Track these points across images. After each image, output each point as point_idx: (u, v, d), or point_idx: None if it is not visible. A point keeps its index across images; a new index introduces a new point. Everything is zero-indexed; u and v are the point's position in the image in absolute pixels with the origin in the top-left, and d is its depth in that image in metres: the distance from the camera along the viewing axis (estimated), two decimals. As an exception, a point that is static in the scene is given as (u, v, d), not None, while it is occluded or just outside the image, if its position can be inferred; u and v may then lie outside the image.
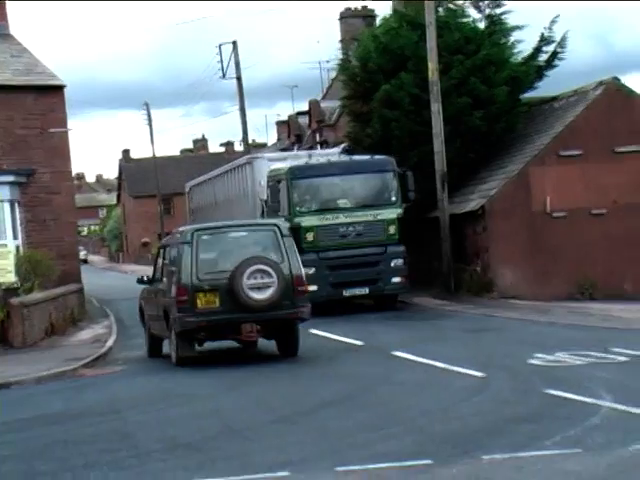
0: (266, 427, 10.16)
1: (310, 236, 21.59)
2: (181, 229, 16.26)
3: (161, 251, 16.89)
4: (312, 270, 20.59)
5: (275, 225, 15.62)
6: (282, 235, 15.23)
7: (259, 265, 14.53)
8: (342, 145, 25.94)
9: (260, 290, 14.50)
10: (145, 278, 17.34)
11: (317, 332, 18.80)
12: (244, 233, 15.84)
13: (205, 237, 15.23)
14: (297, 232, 20.46)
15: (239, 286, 14.44)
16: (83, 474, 8.65)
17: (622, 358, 13.06)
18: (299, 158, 24.18)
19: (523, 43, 27.56)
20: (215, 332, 15.26)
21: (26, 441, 10.50)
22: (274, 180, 22.39)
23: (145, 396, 13.07)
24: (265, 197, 22.97)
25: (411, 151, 25.53)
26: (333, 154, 24.57)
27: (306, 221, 21.66)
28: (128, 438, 10.09)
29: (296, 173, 22.12)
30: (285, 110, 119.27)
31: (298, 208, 21.81)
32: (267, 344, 16.14)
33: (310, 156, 23.92)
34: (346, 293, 21.82)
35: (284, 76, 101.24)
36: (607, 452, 8.04)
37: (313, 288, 19.92)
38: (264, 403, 11.78)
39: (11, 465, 9.30)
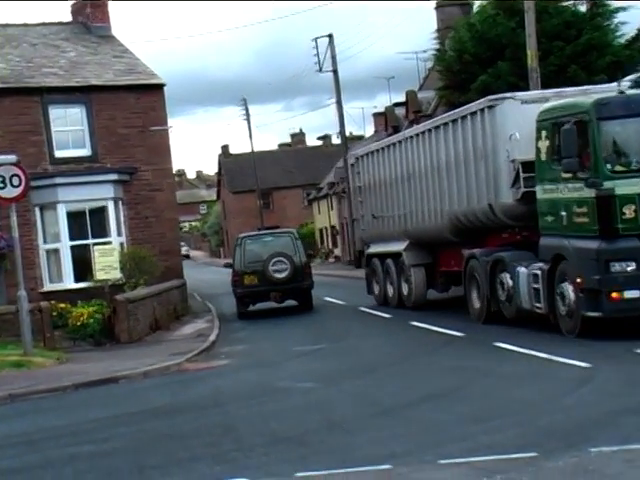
0: (367, 420, 10.16)
1: (629, 210, 13.92)
2: (240, 235, 26.44)
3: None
4: (632, 266, 13.81)
5: (291, 233, 26.45)
6: (295, 238, 25.46)
7: (279, 257, 24.27)
8: (633, 76, 15.69)
9: (280, 272, 24.24)
10: (229, 264, 26.37)
11: (417, 324, 18.73)
12: (272, 238, 25.62)
13: (249, 241, 25.57)
14: (607, 204, 14.01)
15: (267, 270, 24.21)
16: (190, 467, 8.80)
17: None
18: (566, 96, 16.07)
19: (627, 25, 26.86)
20: (255, 298, 25.20)
21: (135, 434, 10.76)
22: (559, 124, 14.81)
23: (247, 390, 13.22)
24: (524, 157, 16.12)
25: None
26: (613, 90, 15.15)
27: (623, 186, 13.96)
28: (231, 432, 10.21)
29: (606, 110, 14.19)
30: (383, 102, 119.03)
31: (609, 166, 14.08)
32: (368, 348, 16.05)
33: (620, 85, 15.04)
34: None
35: (382, 67, 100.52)
36: None
37: (632, 294, 13.77)
38: (365, 396, 11.79)
39: (121, 458, 9.53)
